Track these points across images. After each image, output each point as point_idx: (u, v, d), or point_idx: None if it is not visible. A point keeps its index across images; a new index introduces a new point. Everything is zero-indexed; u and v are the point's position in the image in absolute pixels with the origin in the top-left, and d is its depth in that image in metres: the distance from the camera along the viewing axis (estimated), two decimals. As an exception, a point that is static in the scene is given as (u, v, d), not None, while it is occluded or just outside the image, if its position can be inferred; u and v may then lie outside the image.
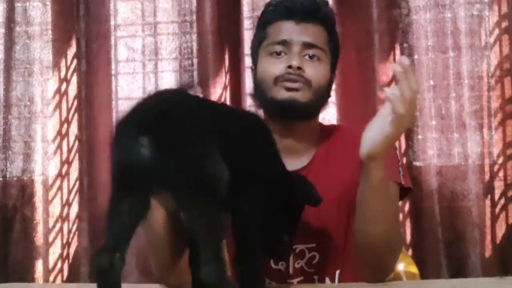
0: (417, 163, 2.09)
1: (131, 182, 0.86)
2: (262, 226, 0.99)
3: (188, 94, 0.98)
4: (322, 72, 1.30)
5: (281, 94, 1.27)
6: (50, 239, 2.23)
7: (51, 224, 2.24)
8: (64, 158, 2.26)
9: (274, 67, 1.28)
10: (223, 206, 0.87)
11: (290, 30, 1.30)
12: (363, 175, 1.13)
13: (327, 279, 1.29)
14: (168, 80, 2.23)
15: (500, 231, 2.06)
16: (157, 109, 0.88)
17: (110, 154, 0.87)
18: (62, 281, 2.22)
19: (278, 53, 1.29)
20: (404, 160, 2.09)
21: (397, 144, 1.43)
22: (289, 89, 1.26)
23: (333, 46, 1.35)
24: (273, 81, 1.28)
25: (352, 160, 1.25)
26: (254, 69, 1.36)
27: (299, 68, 1.26)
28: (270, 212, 1.02)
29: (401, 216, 2.08)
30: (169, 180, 0.84)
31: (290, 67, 1.26)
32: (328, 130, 1.38)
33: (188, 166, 0.84)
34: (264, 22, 1.36)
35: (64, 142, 2.27)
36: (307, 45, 1.29)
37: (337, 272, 1.30)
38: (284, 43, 1.29)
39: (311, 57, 1.29)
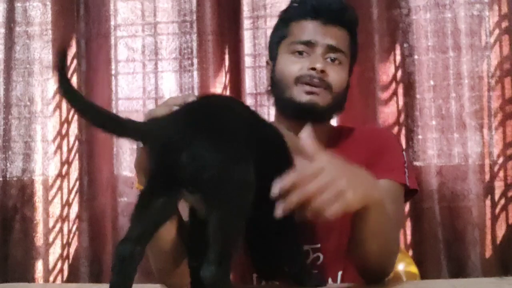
0: (417, 163, 2.09)
1: (169, 180, 0.87)
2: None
3: (232, 100, 1.04)
4: (343, 76, 1.30)
5: (301, 96, 1.26)
6: (50, 239, 2.23)
7: (51, 224, 2.23)
8: (64, 158, 2.26)
9: (296, 66, 1.27)
10: (247, 213, 0.88)
11: (315, 31, 1.28)
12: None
13: (329, 280, 1.28)
14: (168, 80, 2.23)
15: (500, 231, 2.06)
16: (202, 113, 0.92)
17: (149, 149, 0.89)
18: (62, 281, 2.22)
19: (300, 53, 1.28)
20: (404, 160, 2.09)
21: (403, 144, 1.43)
22: (309, 93, 1.25)
23: (354, 50, 1.34)
24: (294, 81, 1.27)
25: (359, 161, 1.25)
26: (272, 64, 1.34)
27: (322, 71, 1.25)
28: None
29: (401, 216, 2.08)
30: (205, 181, 0.85)
31: (313, 69, 1.25)
32: (337, 131, 1.38)
33: (224, 169, 0.86)
34: (287, 18, 1.33)
35: (64, 142, 2.27)
36: (331, 48, 1.28)
37: (340, 273, 1.29)
38: (308, 43, 1.28)
39: (332, 60, 1.28)
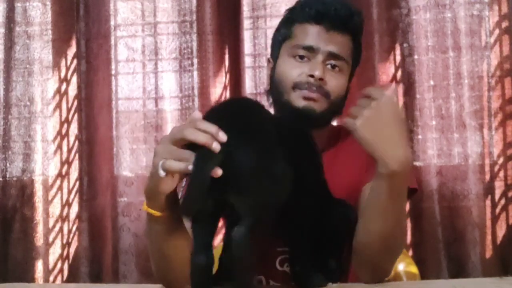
0: (417, 163, 2.09)
1: (214, 185, 0.90)
2: (307, 252, 1.07)
3: (252, 101, 1.11)
4: (342, 83, 1.29)
5: (298, 101, 1.26)
6: (50, 239, 2.23)
7: (51, 224, 2.23)
8: (64, 158, 2.26)
9: (295, 71, 1.27)
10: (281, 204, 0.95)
11: (318, 36, 1.27)
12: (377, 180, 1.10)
13: None
14: (168, 80, 2.23)
15: (501, 231, 2.06)
16: (232, 117, 0.97)
17: (197, 156, 0.92)
18: (62, 281, 2.22)
19: (301, 57, 1.28)
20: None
21: None
22: (306, 98, 1.25)
23: (356, 56, 1.34)
24: (292, 86, 1.27)
25: (358, 162, 1.25)
26: (273, 63, 1.34)
27: (321, 79, 1.24)
28: (314, 237, 1.08)
29: (401, 216, 2.08)
30: (244, 180, 0.91)
31: (312, 76, 1.24)
32: (337, 131, 1.38)
33: (261, 167, 0.92)
34: (292, 19, 1.32)
35: (64, 142, 2.27)
36: (333, 55, 1.27)
37: None
38: (309, 48, 1.27)
39: (333, 67, 1.27)
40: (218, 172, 0.89)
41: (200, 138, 0.92)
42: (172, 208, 1.06)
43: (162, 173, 0.97)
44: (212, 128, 0.92)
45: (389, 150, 1.07)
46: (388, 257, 1.17)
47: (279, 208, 0.95)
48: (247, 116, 0.99)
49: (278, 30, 1.37)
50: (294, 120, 1.27)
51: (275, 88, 1.31)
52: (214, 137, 0.91)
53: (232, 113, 1.00)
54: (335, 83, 1.27)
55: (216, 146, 0.90)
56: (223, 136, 0.91)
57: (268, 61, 1.38)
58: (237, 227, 0.91)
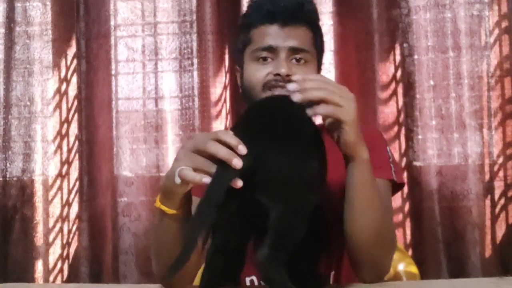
0: (417, 163, 2.09)
1: (248, 190, 0.90)
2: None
3: (283, 99, 1.06)
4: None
5: None
6: (50, 239, 2.23)
7: (51, 224, 2.24)
8: (64, 158, 2.27)
9: (261, 73, 1.27)
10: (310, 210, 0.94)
11: (275, 35, 1.27)
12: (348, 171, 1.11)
13: None
14: (168, 80, 2.23)
15: (500, 231, 2.06)
16: (262, 120, 0.97)
17: (216, 172, 0.91)
18: (62, 281, 2.22)
19: (265, 59, 1.28)
20: (404, 160, 2.09)
21: (386, 139, 1.43)
22: None
23: (319, 44, 1.34)
24: (261, 88, 1.27)
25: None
26: (240, 70, 1.35)
27: (287, 75, 1.24)
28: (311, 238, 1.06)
29: (401, 216, 2.08)
30: (275, 184, 0.90)
31: (278, 74, 1.25)
32: (325, 130, 1.38)
33: (291, 171, 0.91)
34: (247, 24, 1.33)
35: (64, 142, 2.27)
36: (294, 50, 1.27)
37: (332, 273, 1.29)
38: (270, 49, 1.27)
39: (298, 61, 1.28)
40: (238, 183, 0.88)
41: (221, 153, 0.91)
42: (185, 207, 1.06)
43: (177, 180, 0.97)
44: (233, 140, 0.91)
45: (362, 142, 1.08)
46: (381, 247, 1.16)
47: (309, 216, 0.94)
48: (282, 117, 0.98)
49: (237, 38, 1.38)
50: None
51: (247, 94, 1.32)
52: (235, 151, 0.90)
53: (265, 114, 0.99)
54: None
55: (236, 163, 0.89)
56: (243, 149, 0.90)
57: (236, 69, 1.39)
58: (260, 248, 0.89)
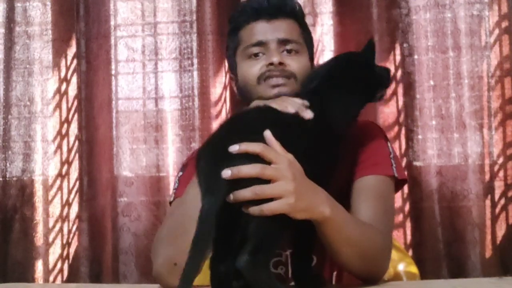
0: (417, 163, 2.09)
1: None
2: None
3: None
4: (304, 63, 1.30)
5: (268, 91, 1.26)
6: (50, 239, 2.23)
7: (51, 224, 2.23)
8: (64, 158, 2.26)
9: (255, 68, 1.28)
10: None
11: (263, 30, 1.30)
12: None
13: None
14: (168, 80, 2.23)
15: (500, 231, 2.06)
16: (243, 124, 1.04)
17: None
18: (62, 281, 2.22)
19: (256, 55, 1.30)
20: (404, 160, 2.09)
21: (388, 136, 1.42)
22: (275, 86, 1.26)
23: (306, 37, 1.35)
24: (256, 81, 1.28)
25: (348, 156, 1.24)
26: (235, 77, 1.36)
27: (280, 63, 1.26)
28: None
29: (401, 216, 2.08)
30: None
31: (271, 64, 1.26)
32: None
33: None
34: (234, 29, 1.35)
35: (64, 142, 2.27)
36: (283, 41, 1.29)
37: (334, 274, 1.29)
38: (260, 44, 1.29)
39: (289, 52, 1.29)
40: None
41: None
42: None
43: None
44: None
45: (318, 202, 1.03)
46: (374, 260, 1.16)
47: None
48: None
49: (227, 45, 1.40)
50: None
51: (244, 93, 1.32)
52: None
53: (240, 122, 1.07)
54: (297, 64, 1.28)
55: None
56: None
57: (231, 78, 1.40)
58: (239, 255, 0.91)
